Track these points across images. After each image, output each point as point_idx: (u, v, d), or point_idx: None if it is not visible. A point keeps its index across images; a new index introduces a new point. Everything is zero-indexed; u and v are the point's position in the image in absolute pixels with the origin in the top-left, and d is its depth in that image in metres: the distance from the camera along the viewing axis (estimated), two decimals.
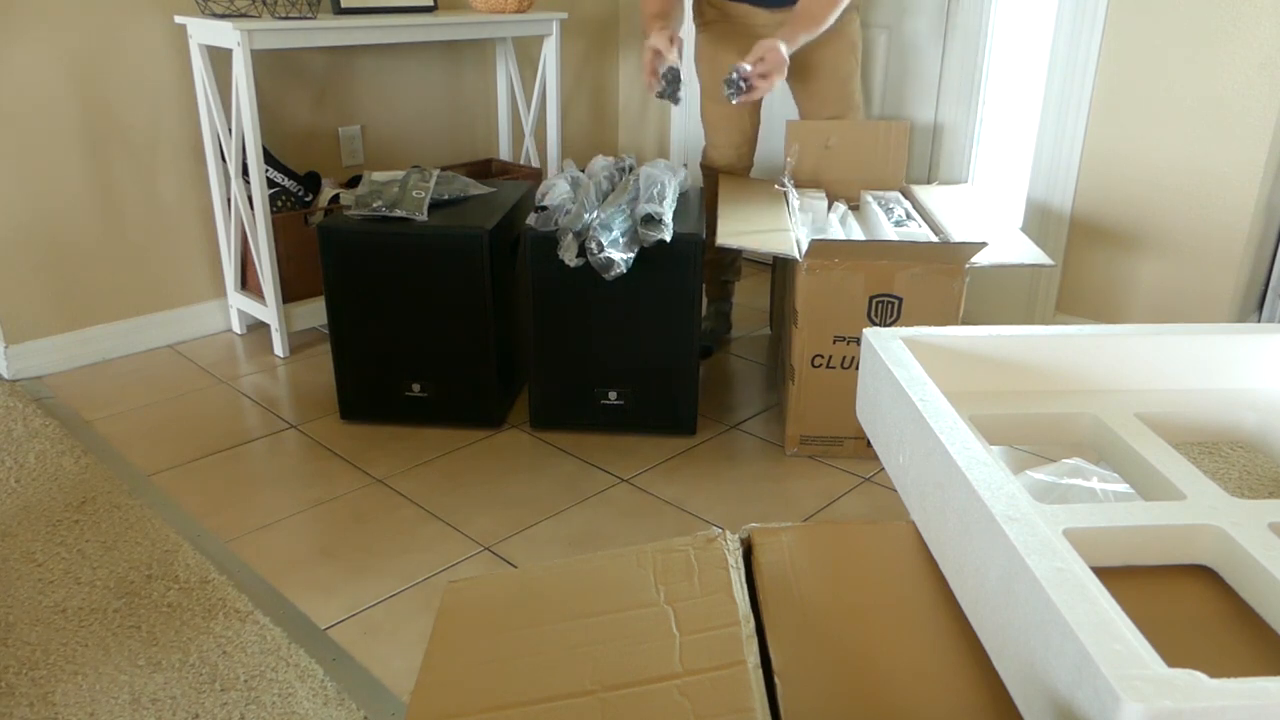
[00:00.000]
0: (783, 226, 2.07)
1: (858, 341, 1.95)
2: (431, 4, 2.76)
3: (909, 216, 2.14)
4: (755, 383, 2.43)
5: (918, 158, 2.81)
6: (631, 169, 2.11)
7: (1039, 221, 2.58)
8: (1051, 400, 0.89)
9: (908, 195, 2.37)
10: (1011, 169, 2.72)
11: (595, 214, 1.93)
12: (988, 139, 2.72)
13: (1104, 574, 0.69)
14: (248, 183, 2.44)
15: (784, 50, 2.05)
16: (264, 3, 2.47)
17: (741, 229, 2.04)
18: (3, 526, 1.78)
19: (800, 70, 2.35)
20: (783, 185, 2.34)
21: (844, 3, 2.12)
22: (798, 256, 1.89)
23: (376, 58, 2.85)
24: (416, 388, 2.13)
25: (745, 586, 0.75)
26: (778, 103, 3.07)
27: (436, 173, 2.18)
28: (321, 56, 2.74)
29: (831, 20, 2.13)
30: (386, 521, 1.82)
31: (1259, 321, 2.48)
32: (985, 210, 2.27)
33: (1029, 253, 1.93)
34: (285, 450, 2.08)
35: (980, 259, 1.88)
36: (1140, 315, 2.48)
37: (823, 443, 2.05)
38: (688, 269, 1.96)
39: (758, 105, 2.43)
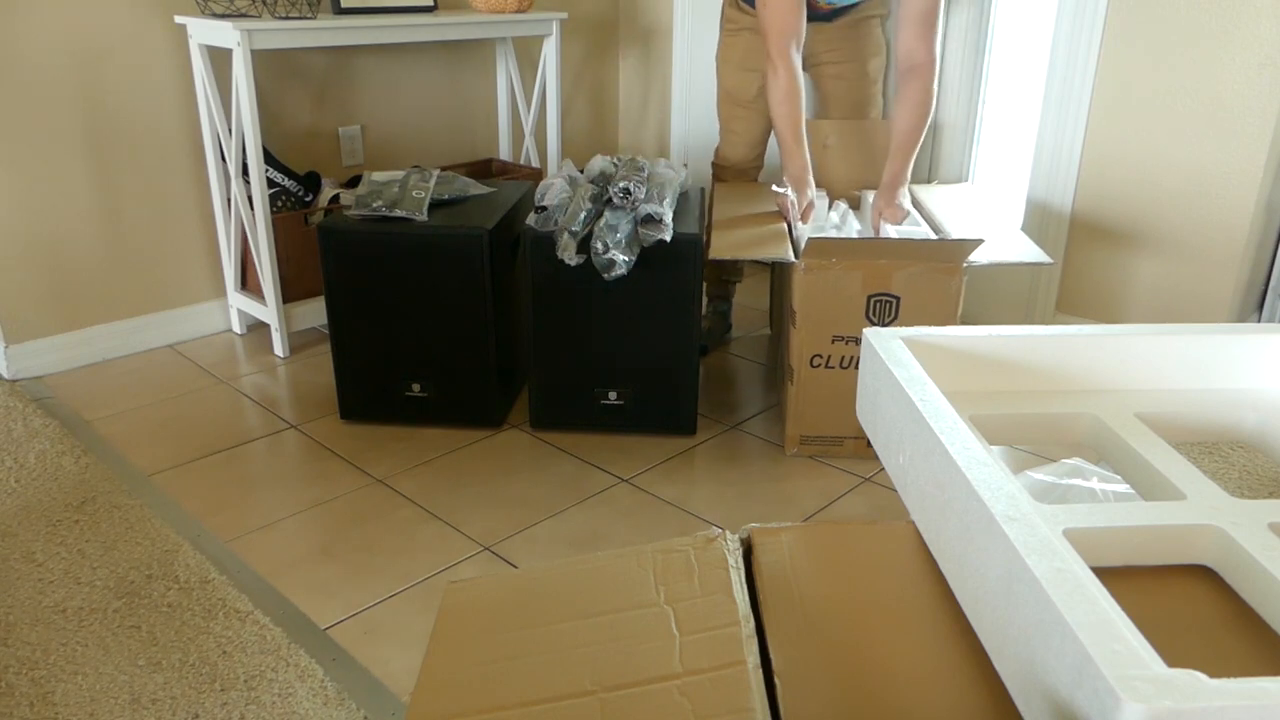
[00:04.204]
0: (779, 230, 2.07)
1: (856, 341, 1.95)
2: (431, 4, 2.76)
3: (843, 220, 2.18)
4: (755, 383, 2.43)
5: (918, 157, 2.80)
6: (643, 169, 2.09)
7: (1039, 221, 2.58)
8: (1051, 400, 0.89)
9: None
10: (1011, 168, 2.72)
11: (602, 215, 1.93)
12: (988, 139, 2.72)
13: (1104, 574, 0.69)
14: (248, 183, 2.44)
15: (907, 205, 2.10)
16: (264, 3, 2.47)
17: (737, 236, 2.04)
18: (3, 526, 1.78)
19: (830, 72, 2.38)
20: (782, 186, 2.34)
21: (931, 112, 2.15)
22: (792, 260, 1.89)
23: (376, 58, 2.85)
24: (416, 388, 2.13)
25: (745, 586, 0.75)
26: None
27: (436, 173, 2.18)
28: (321, 56, 2.74)
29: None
30: (386, 521, 1.82)
31: (1259, 321, 2.48)
32: (985, 209, 2.27)
33: (1028, 251, 1.93)
34: (285, 450, 2.08)
35: (980, 258, 1.88)
36: (1140, 315, 2.48)
37: (823, 443, 2.05)
38: (688, 269, 1.96)
39: (767, 107, 2.44)
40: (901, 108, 2.11)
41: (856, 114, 2.40)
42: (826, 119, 2.42)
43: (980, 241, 1.82)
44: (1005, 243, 2.00)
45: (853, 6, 2.30)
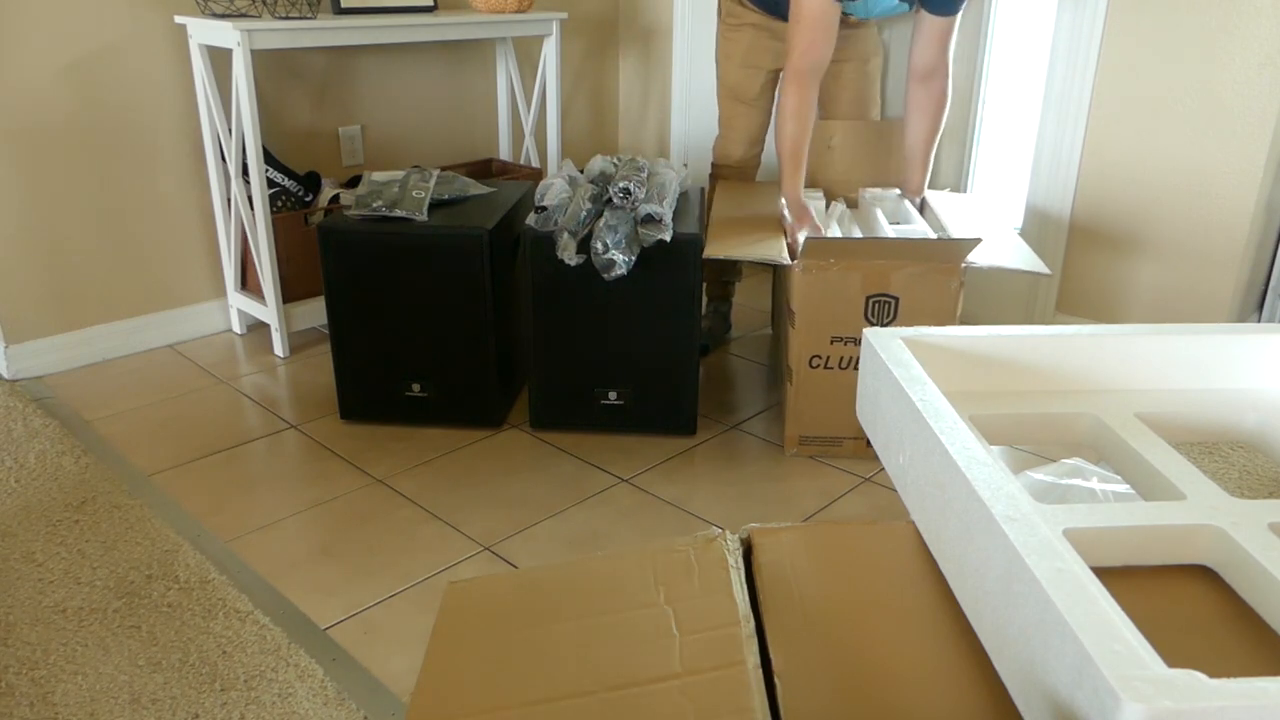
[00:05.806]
0: (776, 230, 2.07)
1: (855, 342, 1.95)
2: (431, 4, 2.76)
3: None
4: (755, 383, 2.43)
5: None
6: (643, 169, 2.09)
7: (1039, 221, 2.58)
8: (1051, 400, 0.89)
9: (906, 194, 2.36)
10: (1012, 168, 2.72)
11: (602, 215, 1.93)
12: (988, 139, 2.72)
13: (1104, 574, 0.69)
14: (248, 183, 2.44)
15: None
16: (264, 3, 2.47)
17: (732, 236, 2.04)
18: (3, 526, 1.78)
19: (830, 72, 2.36)
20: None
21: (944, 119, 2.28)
22: (785, 262, 1.89)
23: (376, 58, 2.85)
24: (416, 388, 2.13)
25: (745, 586, 0.75)
26: None
27: (436, 173, 2.18)
28: (321, 56, 2.74)
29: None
30: (386, 521, 1.82)
31: (1259, 321, 2.48)
32: (984, 214, 2.27)
33: (1027, 259, 1.93)
34: (285, 450, 2.08)
35: (979, 261, 1.88)
36: (1140, 315, 2.48)
37: (822, 443, 2.05)
38: (688, 269, 1.96)
39: (769, 104, 2.44)
40: (922, 109, 2.20)
41: (856, 114, 2.40)
42: (829, 119, 2.42)
43: (978, 241, 1.82)
44: (1005, 248, 2.00)
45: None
